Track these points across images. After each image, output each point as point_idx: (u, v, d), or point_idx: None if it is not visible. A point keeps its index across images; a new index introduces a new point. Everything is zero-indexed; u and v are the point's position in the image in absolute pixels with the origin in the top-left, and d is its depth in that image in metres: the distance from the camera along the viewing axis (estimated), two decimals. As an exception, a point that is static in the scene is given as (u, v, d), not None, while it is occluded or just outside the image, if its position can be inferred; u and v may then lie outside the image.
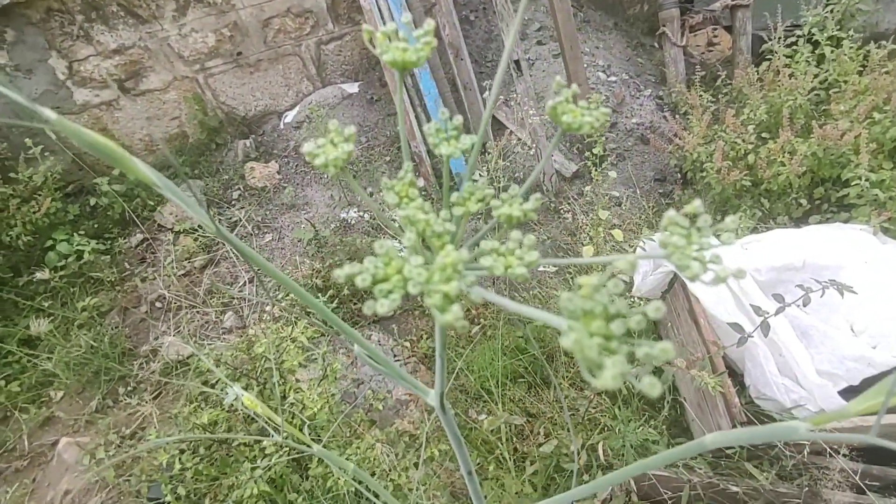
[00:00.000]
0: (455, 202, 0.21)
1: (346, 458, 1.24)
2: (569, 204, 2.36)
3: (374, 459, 1.31)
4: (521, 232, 0.20)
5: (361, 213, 2.56)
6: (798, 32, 2.27)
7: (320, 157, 0.21)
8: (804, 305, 1.22)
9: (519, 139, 2.37)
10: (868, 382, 1.44)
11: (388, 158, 2.77)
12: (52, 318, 2.18)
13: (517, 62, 2.37)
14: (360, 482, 1.10)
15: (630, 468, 0.25)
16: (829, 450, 1.31)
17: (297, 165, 2.82)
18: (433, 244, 0.19)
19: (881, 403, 0.21)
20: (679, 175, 2.46)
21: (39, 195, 2.36)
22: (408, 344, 1.95)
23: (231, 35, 2.71)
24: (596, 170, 1.71)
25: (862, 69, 2.08)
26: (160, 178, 0.22)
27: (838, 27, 2.29)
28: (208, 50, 2.71)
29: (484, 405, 1.74)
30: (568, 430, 1.53)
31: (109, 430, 1.90)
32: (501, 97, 2.77)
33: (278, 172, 2.79)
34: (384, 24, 1.94)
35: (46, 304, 2.24)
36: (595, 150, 1.73)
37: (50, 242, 2.34)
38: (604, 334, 0.15)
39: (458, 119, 0.25)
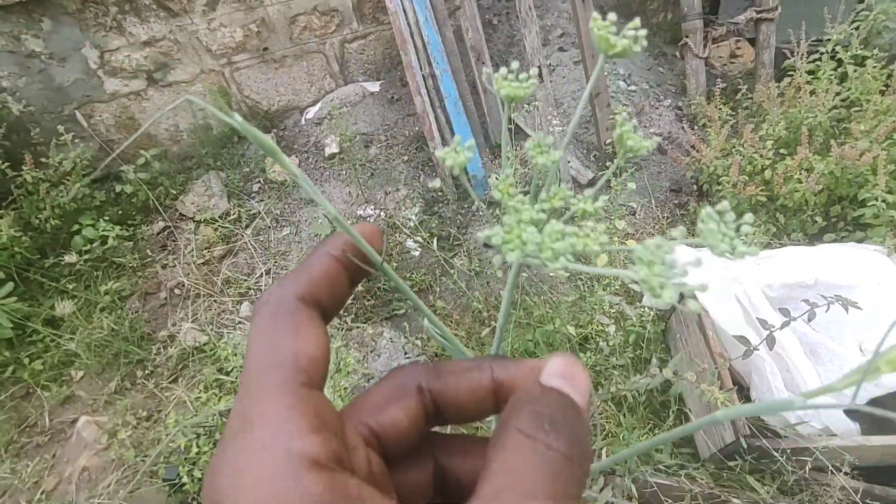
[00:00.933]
0: (543, 199, 0.27)
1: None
2: (583, 211, 2.38)
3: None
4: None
5: (378, 211, 2.60)
6: (821, 49, 2.27)
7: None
8: (809, 320, 1.23)
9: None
10: (874, 402, 1.45)
11: (405, 157, 2.81)
12: (75, 299, 2.25)
13: (539, 68, 2.39)
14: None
15: (642, 445, 0.29)
16: (830, 468, 1.33)
17: (316, 161, 2.87)
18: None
19: (859, 378, 0.25)
20: (695, 187, 2.47)
21: (68, 180, 2.44)
22: (419, 342, 1.99)
23: (258, 31, 2.77)
24: (615, 179, 1.73)
25: (885, 89, 2.08)
26: (304, 178, 0.27)
27: (863, 45, 2.28)
28: (235, 45, 2.77)
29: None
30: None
31: (127, 411, 1.97)
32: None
33: (298, 167, 2.83)
34: (409, 24, 1.96)
35: (71, 287, 2.31)
36: (617, 161, 1.75)
37: (76, 227, 2.41)
38: (660, 274, 0.22)
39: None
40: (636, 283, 0.22)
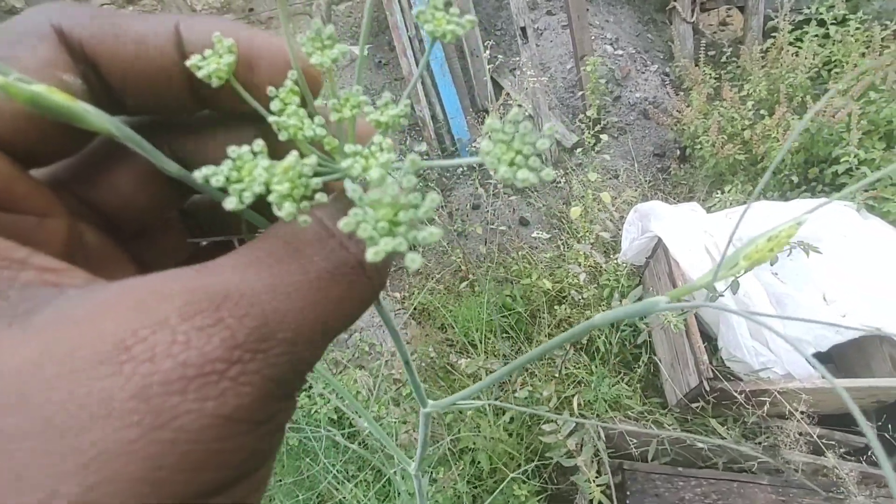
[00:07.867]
0: (333, 108, 0.21)
1: (325, 386, 1.32)
2: (566, 173, 2.39)
3: (356, 391, 1.39)
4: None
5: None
6: (807, 11, 2.27)
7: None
8: (771, 264, 1.26)
9: (519, 105, 2.40)
10: (836, 349, 1.49)
11: (392, 121, 2.81)
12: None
13: (523, 29, 2.39)
14: (342, 400, 1.18)
15: (581, 325, 0.27)
16: (789, 409, 1.37)
17: (303, 124, 2.86)
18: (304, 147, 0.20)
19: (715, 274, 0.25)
20: (677, 150, 2.49)
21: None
22: (398, 294, 2.02)
23: (243, -10, 2.74)
24: (589, 132, 1.75)
25: (865, 51, 2.08)
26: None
27: (852, 11, 2.27)
28: (220, 4, 2.74)
29: (468, 357, 1.81)
30: (544, 382, 1.60)
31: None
32: (506, 64, 2.78)
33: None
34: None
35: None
36: (589, 113, 1.77)
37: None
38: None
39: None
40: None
